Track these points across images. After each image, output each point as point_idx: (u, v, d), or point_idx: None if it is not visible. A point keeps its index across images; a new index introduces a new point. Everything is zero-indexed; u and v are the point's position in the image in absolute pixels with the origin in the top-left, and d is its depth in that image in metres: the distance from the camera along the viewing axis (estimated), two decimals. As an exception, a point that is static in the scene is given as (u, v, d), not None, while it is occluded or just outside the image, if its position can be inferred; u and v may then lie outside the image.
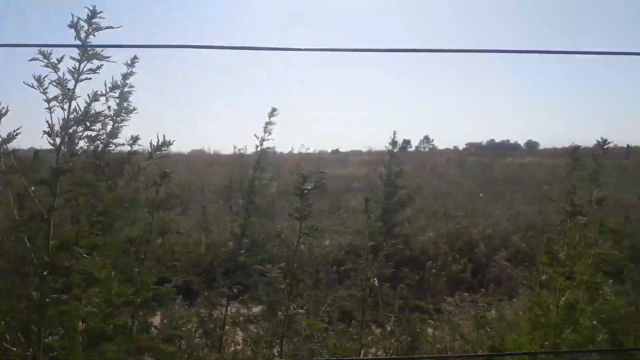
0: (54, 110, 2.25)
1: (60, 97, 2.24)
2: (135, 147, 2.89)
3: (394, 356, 3.82)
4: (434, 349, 4.38)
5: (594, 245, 2.39)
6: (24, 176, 2.23)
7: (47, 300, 2.11)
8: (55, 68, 2.21)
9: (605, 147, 2.75)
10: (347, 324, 4.39)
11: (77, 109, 2.30)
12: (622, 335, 2.36)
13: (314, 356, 3.09)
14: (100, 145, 2.87)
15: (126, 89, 2.79)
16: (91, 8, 2.18)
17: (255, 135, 3.25)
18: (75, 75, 2.23)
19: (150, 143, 2.63)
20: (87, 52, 2.20)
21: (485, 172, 19.77)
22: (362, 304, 3.92)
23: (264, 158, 3.24)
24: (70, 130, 2.28)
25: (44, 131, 2.26)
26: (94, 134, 2.44)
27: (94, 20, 2.20)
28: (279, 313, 3.08)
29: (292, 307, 3.08)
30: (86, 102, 2.32)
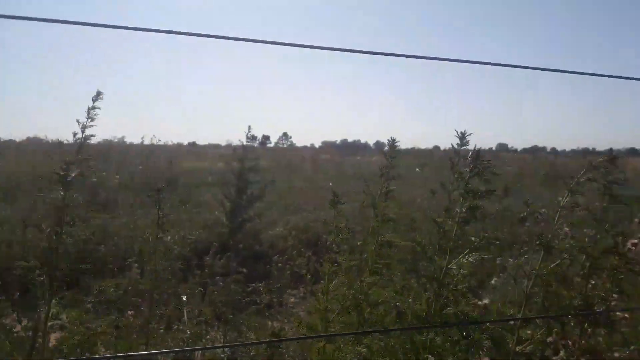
0: None
1: None
2: None
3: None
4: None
5: (377, 234, 2.54)
6: None
7: None
8: None
9: (396, 146, 2.87)
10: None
11: None
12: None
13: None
14: None
15: None
16: None
17: (77, 121, 2.91)
18: None
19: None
20: None
21: (336, 168, 20.72)
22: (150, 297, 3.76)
23: (85, 147, 2.92)
24: None
25: None
26: None
27: None
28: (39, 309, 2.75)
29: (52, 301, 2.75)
30: None
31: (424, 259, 1.96)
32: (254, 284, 6.24)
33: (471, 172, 1.98)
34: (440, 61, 1.69)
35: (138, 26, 1.43)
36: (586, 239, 2.13)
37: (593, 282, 2.16)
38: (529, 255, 1.98)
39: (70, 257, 2.77)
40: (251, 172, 8.81)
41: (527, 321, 2.03)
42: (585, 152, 27.94)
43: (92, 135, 2.95)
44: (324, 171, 20.16)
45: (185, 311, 4.09)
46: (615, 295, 2.09)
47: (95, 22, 1.39)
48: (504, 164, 18.04)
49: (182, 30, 1.46)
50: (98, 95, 2.91)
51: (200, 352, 3.72)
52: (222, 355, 3.45)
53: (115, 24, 1.42)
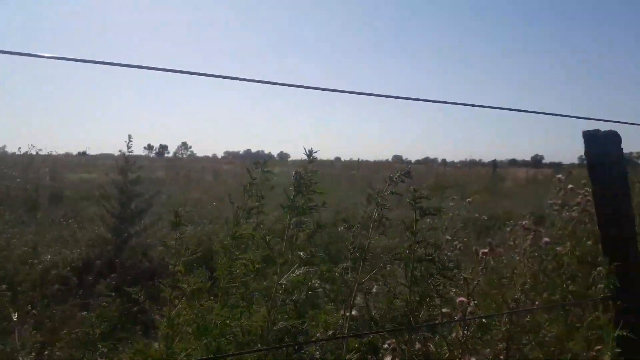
0: None
1: None
2: None
3: None
4: None
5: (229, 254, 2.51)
6: None
7: None
8: None
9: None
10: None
11: None
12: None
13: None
14: None
15: None
16: None
17: None
18: None
19: None
20: None
21: (238, 180, 20.39)
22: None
23: None
24: None
25: None
26: None
27: None
28: None
29: None
30: None
31: (258, 276, 1.91)
32: (140, 304, 5.84)
33: (295, 191, 1.96)
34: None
35: None
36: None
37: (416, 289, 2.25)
38: (349, 265, 1.97)
39: None
40: (136, 184, 8.26)
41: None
42: (472, 163, 30.02)
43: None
44: (224, 182, 19.69)
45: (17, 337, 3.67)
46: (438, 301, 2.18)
47: None
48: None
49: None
50: None
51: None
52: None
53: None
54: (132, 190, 8.22)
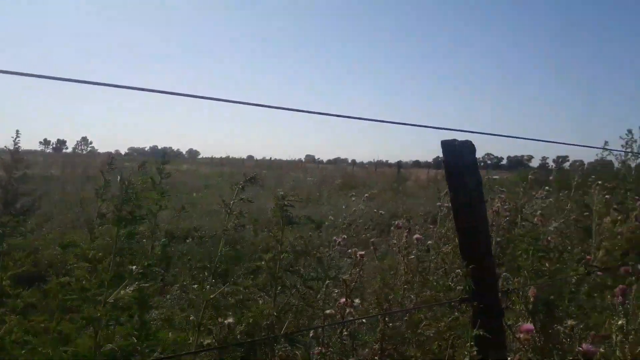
0: None
1: None
2: None
3: None
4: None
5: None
6: None
7: None
8: None
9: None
10: None
11: None
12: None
13: None
14: None
15: None
16: None
17: None
18: None
19: None
20: None
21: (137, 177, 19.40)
22: None
23: None
24: None
25: None
26: None
27: None
28: None
29: None
30: None
31: (79, 297, 1.67)
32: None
33: (123, 199, 1.82)
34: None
35: None
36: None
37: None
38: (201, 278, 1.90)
39: None
40: (22, 182, 7.58)
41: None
42: (379, 164, 31.04)
43: None
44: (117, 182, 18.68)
45: None
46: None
47: None
48: (307, 174, 19.03)
49: None
50: None
51: None
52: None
53: None
54: (18, 188, 7.55)
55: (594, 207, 4.18)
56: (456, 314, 1.64)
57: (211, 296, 1.73)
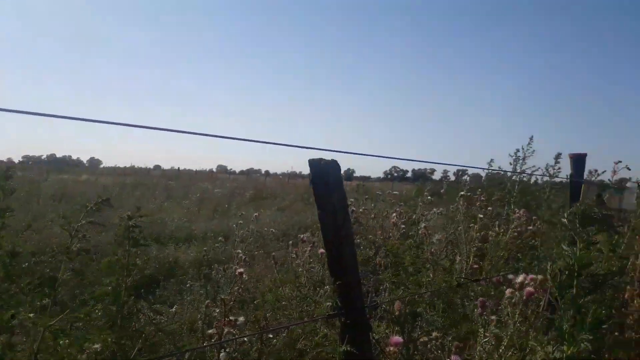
0: None
1: None
2: None
3: None
4: None
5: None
6: None
7: None
8: None
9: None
10: None
11: None
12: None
13: None
14: None
15: None
16: None
17: None
18: None
19: None
20: None
21: (35, 188, 18.05)
22: None
23: None
24: None
25: None
26: None
27: None
28: None
29: None
30: None
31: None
32: None
33: None
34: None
35: None
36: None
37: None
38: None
39: None
40: None
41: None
42: (292, 175, 31.21)
43: None
44: (17, 190, 17.21)
45: None
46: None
47: None
48: (216, 185, 18.66)
49: None
50: None
51: None
52: None
53: None
54: None
55: (480, 219, 4.47)
56: (325, 330, 1.66)
57: (49, 324, 1.59)
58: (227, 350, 2.10)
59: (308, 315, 2.08)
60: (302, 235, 3.30)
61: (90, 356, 1.56)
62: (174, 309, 3.19)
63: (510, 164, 4.82)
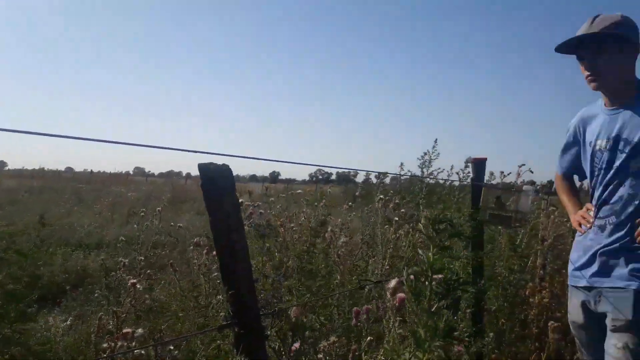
0: None
1: None
2: None
3: None
4: None
5: None
6: None
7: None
8: None
9: None
10: None
11: None
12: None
13: None
14: None
15: None
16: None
17: None
18: None
19: None
20: None
21: None
22: None
23: None
24: None
25: None
26: None
27: None
28: None
29: None
30: None
31: None
32: None
33: None
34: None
35: None
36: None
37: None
38: None
39: None
40: None
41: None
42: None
43: None
44: None
45: None
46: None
47: None
48: (131, 188, 17.82)
49: None
50: None
51: None
52: None
53: None
54: None
55: (393, 220, 4.58)
56: (218, 341, 1.60)
57: None
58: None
59: (208, 325, 2.01)
60: (196, 239, 3.16)
61: None
62: (68, 322, 2.98)
63: (419, 166, 4.99)
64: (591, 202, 2.30)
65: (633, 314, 1.96)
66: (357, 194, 6.07)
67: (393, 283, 1.18)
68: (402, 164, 5.12)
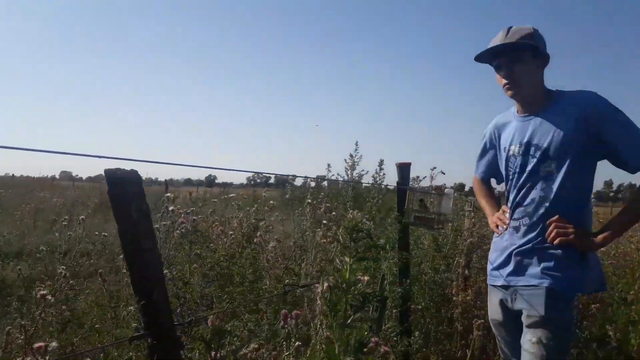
0: None
1: None
2: None
3: None
4: None
5: None
6: None
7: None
8: None
9: None
10: None
11: None
12: None
13: None
14: None
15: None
16: None
17: None
18: None
19: None
20: None
21: None
22: None
23: None
24: None
25: None
26: None
27: None
28: None
29: None
30: None
31: None
32: None
33: None
34: None
35: None
36: None
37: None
38: None
39: None
40: None
41: None
42: (147, 182, 29.68)
43: None
44: None
45: None
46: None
47: None
48: (55, 194, 16.87)
49: None
50: None
51: None
52: None
53: None
54: None
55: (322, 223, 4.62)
56: (131, 353, 1.54)
57: None
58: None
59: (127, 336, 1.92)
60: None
61: None
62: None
63: (346, 169, 5.06)
64: (507, 204, 2.41)
65: (545, 310, 2.05)
66: (287, 196, 6.06)
67: (324, 286, 1.17)
68: (329, 165, 5.17)
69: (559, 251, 2.09)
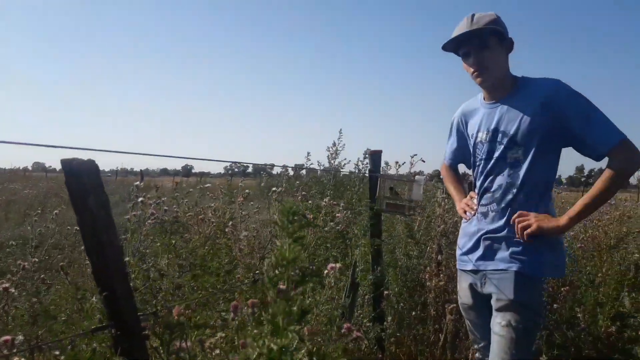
0: None
1: None
2: None
3: None
4: None
5: None
6: None
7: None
8: None
9: None
10: None
11: None
12: None
13: None
14: None
15: None
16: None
17: None
18: None
19: None
20: None
21: None
22: None
23: None
24: None
25: None
26: None
27: None
28: None
29: None
30: None
31: None
32: None
33: None
34: None
35: None
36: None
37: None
38: None
39: None
40: None
41: None
42: (124, 172, 29.32)
43: None
44: None
45: None
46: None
47: None
48: (27, 186, 16.51)
49: None
50: None
51: None
52: None
53: None
54: None
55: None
56: (94, 344, 1.54)
57: None
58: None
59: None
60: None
61: None
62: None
63: (328, 157, 5.06)
64: (474, 190, 2.43)
65: (514, 294, 2.09)
66: (262, 185, 6.04)
67: (266, 265, 1.18)
68: (308, 153, 5.16)
69: None
